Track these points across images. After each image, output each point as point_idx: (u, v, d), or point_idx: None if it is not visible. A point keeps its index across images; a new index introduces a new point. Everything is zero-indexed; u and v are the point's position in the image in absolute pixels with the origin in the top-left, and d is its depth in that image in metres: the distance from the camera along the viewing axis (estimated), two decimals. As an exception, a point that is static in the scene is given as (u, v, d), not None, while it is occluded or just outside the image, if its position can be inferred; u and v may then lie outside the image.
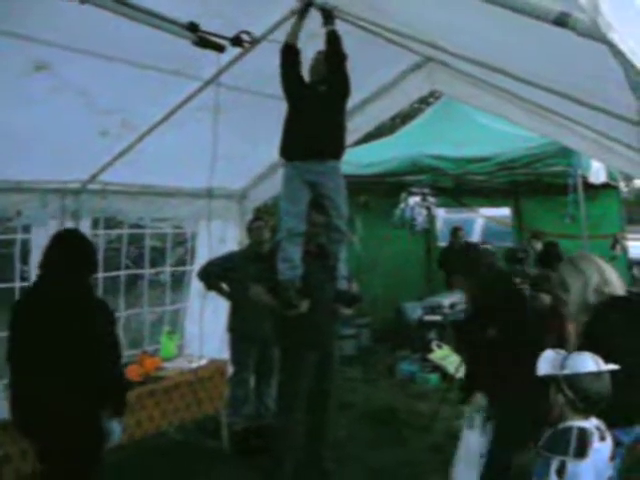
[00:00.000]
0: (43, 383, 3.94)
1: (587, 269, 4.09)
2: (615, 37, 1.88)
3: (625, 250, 11.88)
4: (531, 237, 10.61)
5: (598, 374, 3.16)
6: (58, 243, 4.26)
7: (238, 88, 5.69)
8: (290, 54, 4.89)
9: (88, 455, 4.06)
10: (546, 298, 5.99)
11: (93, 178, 6.21)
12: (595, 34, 1.96)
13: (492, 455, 4.67)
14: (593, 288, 4.01)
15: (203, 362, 6.42)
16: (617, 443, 3.42)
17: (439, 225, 14.25)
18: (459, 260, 5.37)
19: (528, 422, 4.31)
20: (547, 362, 3.30)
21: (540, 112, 6.01)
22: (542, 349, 3.40)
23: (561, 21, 2.89)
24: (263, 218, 7.36)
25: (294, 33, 4.87)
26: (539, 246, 9.99)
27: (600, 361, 3.19)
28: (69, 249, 4.24)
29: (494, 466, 4.64)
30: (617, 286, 4.09)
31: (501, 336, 4.68)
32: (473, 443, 4.75)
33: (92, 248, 4.44)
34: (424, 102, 15.05)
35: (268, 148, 6.49)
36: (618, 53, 1.98)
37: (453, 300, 10.14)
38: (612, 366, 3.22)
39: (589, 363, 3.18)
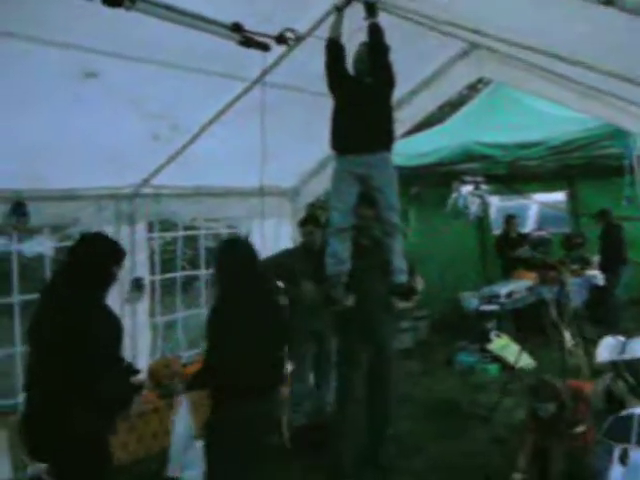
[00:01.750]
0: (44, 400, 3.69)
1: None
2: None
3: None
4: (597, 216, 10.44)
5: None
6: (72, 249, 3.97)
7: (285, 86, 5.71)
8: (334, 49, 4.89)
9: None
10: None
11: (146, 182, 6.31)
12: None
13: None
14: None
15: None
16: None
17: (493, 213, 14.09)
18: None
19: None
20: (607, 348, 3.26)
21: (591, 94, 5.91)
22: None
23: (609, 0, 2.84)
24: (315, 215, 7.37)
25: (336, 28, 4.88)
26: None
27: None
28: (80, 257, 3.88)
29: None
30: None
31: None
32: None
33: (107, 256, 3.92)
34: (473, 89, 14.88)
35: (317, 145, 6.53)
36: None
37: (510, 289, 10.02)
38: None
39: None
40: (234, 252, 4.57)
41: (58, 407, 3.62)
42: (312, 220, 7.03)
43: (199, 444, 4.72)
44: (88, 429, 3.65)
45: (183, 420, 5.07)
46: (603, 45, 4.21)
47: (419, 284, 5.81)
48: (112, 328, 3.86)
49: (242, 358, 4.14)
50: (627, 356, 3.16)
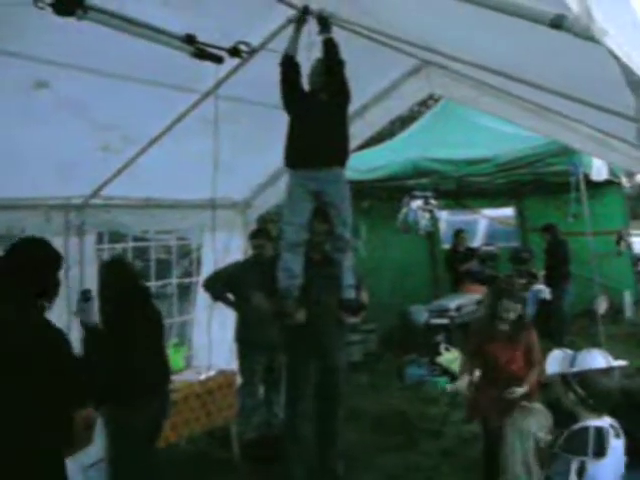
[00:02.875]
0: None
1: None
2: (610, 42, 1.88)
3: (629, 246, 11.92)
4: (543, 230, 10.61)
5: (607, 370, 3.18)
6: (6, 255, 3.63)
7: (237, 99, 5.69)
8: (289, 66, 4.91)
9: None
10: None
11: (96, 193, 6.21)
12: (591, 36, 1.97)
13: None
14: None
15: (212, 373, 6.41)
16: None
17: (442, 228, 14.25)
18: None
19: None
20: (556, 361, 3.31)
21: (539, 112, 6.03)
22: None
23: (557, 23, 2.91)
24: (266, 228, 7.37)
25: (292, 44, 4.90)
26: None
27: (609, 357, 3.20)
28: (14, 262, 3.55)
29: None
30: None
31: None
32: None
33: (45, 262, 3.63)
34: (424, 105, 15.06)
35: (269, 157, 6.56)
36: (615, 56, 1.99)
37: (459, 302, 10.13)
38: (621, 362, 3.24)
39: (599, 360, 3.19)
40: (116, 271, 5.02)
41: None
42: (263, 233, 7.04)
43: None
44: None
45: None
46: (550, 64, 4.29)
47: (365, 299, 5.86)
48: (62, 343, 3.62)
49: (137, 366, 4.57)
50: (576, 369, 3.21)
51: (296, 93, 4.99)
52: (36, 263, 3.56)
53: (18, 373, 3.29)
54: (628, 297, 11.60)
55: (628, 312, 11.57)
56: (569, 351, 3.35)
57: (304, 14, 4.83)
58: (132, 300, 4.83)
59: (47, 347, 3.40)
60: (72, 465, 4.68)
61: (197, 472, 6.19)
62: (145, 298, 5.01)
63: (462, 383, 5.48)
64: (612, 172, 9.27)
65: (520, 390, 5.06)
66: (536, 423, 4.79)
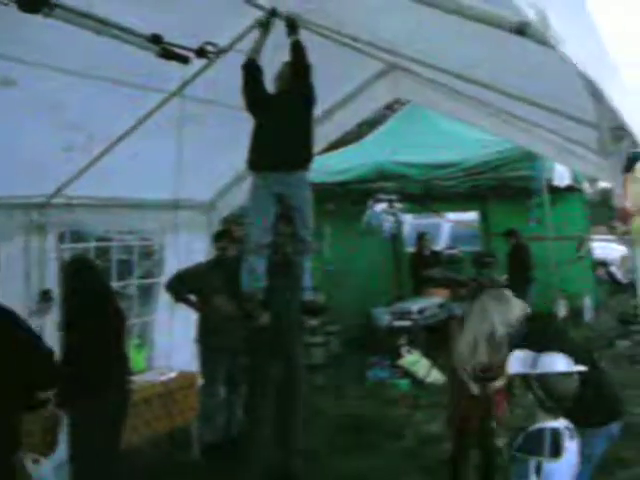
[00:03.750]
0: None
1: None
2: (566, 49, 1.91)
3: (590, 251, 12.10)
4: (506, 235, 10.72)
5: (568, 374, 3.23)
6: None
7: (203, 100, 5.67)
8: (252, 70, 4.91)
9: None
10: None
11: (58, 192, 6.14)
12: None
13: None
14: None
15: (173, 374, 6.38)
16: None
17: (407, 231, 14.33)
18: None
19: None
20: (517, 361, 3.36)
21: (503, 117, 6.09)
22: None
23: (521, 30, 2.95)
24: (229, 229, 7.35)
25: (256, 48, 4.91)
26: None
27: (571, 361, 3.26)
28: None
29: None
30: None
31: None
32: None
33: None
34: (390, 108, 15.13)
35: (234, 158, 6.52)
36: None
37: (422, 305, 10.20)
38: (581, 367, 3.29)
39: (559, 363, 3.24)
40: (80, 269, 5.04)
41: None
42: (227, 234, 7.02)
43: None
44: None
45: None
46: (513, 70, 4.35)
47: (322, 301, 5.90)
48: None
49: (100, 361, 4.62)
50: (538, 370, 3.27)
51: (259, 96, 4.99)
52: None
53: None
54: (588, 301, 11.78)
55: (587, 316, 11.73)
56: (530, 352, 3.40)
57: (272, 16, 4.83)
58: (94, 298, 4.83)
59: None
60: (44, 464, 4.68)
61: (158, 474, 6.14)
62: (107, 296, 5.02)
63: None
64: (574, 178, 9.42)
65: (496, 385, 5.12)
66: (500, 314, 4.95)
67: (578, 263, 11.39)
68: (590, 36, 1.97)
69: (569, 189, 9.68)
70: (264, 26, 4.89)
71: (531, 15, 1.81)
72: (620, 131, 3.92)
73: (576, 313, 11.31)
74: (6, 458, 3.52)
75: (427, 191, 10.97)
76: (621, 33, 2.14)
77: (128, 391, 5.02)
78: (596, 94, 2.83)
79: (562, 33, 1.85)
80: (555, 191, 8.75)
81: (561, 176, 8.59)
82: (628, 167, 4.43)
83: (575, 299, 11.27)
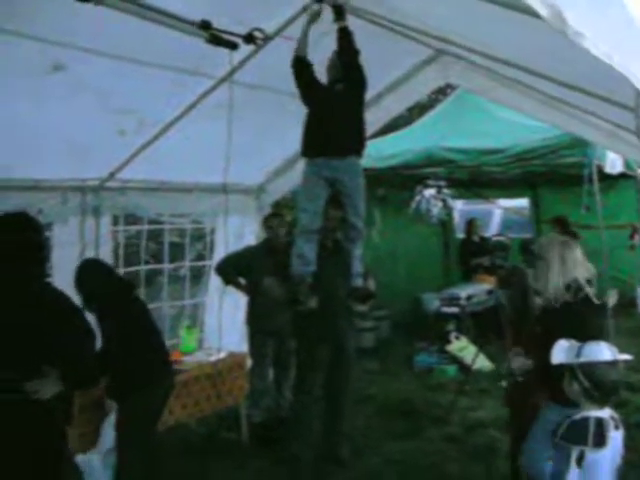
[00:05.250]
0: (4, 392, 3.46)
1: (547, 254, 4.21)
2: (587, 44, 1.92)
3: (644, 239, 11.84)
4: (552, 222, 10.60)
5: (613, 363, 3.23)
6: (3, 234, 3.71)
7: (252, 85, 5.75)
8: (300, 67, 4.98)
9: None
10: None
11: (112, 176, 6.31)
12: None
13: None
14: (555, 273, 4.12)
15: (222, 355, 6.50)
16: None
17: (456, 217, 14.26)
18: None
19: None
20: (562, 351, 3.35)
21: (553, 103, 6.03)
22: None
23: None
24: (281, 213, 7.43)
25: (303, 43, 4.96)
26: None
27: (615, 350, 3.25)
28: (19, 240, 3.68)
29: None
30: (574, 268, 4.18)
31: None
32: None
33: (40, 233, 3.88)
34: (441, 93, 15.05)
35: (284, 143, 6.62)
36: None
37: (470, 292, 10.18)
38: (627, 356, 3.29)
39: (605, 352, 3.24)
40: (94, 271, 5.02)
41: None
42: (278, 217, 7.11)
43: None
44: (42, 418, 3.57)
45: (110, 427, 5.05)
46: (561, 57, 4.32)
47: (371, 287, 5.93)
48: (71, 306, 3.83)
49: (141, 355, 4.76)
50: (583, 359, 3.26)
51: (312, 89, 5.04)
52: (35, 237, 3.76)
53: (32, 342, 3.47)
54: (640, 290, 11.56)
55: (640, 306, 11.53)
56: (575, 342, 3.39)
57: (319, 1, 4.87)
58: (117, 295, 4.90)
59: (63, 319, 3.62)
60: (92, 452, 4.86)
61: (206, 452, 6.31)
62: (129, 290, 5.10)
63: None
64: (627, 165, 9.23)
65: None
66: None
67: (631, 252, 11.18)
68: (619, 24, 1.97)
69: (622, 176, 9.49)
70: (308, 19, 4.93)
71: (544, 12, 1.82)
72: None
73: (628, 303, 11.14)
74: (59, 433, 3.68)
75: (476, 177, 10.91)
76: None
77: (170, 383, 5.14)
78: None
79: (581, 28, 1.85)
80: (607, 178, 8.59)
81: (613, 163, 8.42)
82: None
83: (627, 288, 11.10)
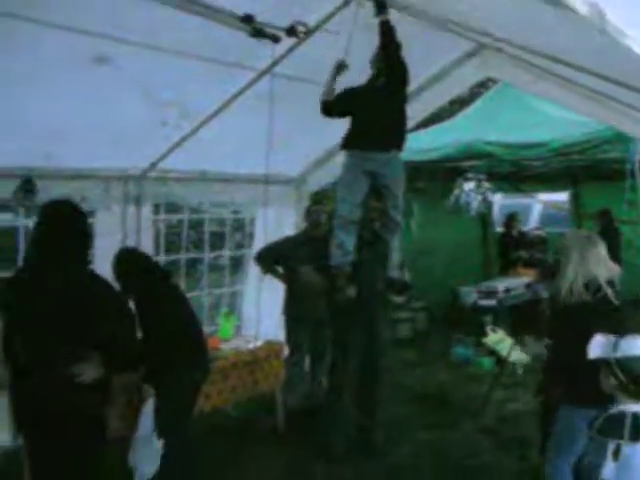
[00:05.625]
0: (47, 376, 3.60)
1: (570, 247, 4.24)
2: (628, 41, 1.95)
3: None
4: (597, 216, 10.53)
5: None
6: (49, 220, 3.81)
7: (293, 77, 5.80)
8: (330, 110, 5.25)
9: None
10: None
11: (154, 166, 6.43)
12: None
13: None
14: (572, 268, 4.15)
15: (259, 343, 6.60)
16: None
17: (496, 211, 14.20)
18: None
19: None
20: (598, 346, 3.37)
21: (595, 97, 5.99)
22: None
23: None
24: (322, 202, 7.50)
25: (329, 89, 5.20)
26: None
27: None
28: (64, 226, 3.79)
29: None
30: (595, 266, 4.18)
31: None
32: None
33: (85, 220, 3.99)
34: (483, 86, 14.94)
35: (324, 135, 6.68)
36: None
37: (508, 285, 10.15)
38: None
39: None
40: (130, 260, 5.08)
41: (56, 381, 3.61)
42: (319, 206, 7.19)
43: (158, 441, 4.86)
44: (82, 401, 3.67)
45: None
46: (604, 51, 4.31)
47: (407, 279, 5.99)
48: (114, 292, 3.97)
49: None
50: (619, 354, 3.28)
51: (349, 107, 5.21)
52: (80, 223, 3.87)
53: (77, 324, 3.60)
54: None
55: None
56: (612, 336, 3.41)
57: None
58: (154, 283, 4.99)
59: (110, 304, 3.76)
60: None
61: (241, 438, 6.41)
62: (166, 278, 5.14)
63: None
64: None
65: None
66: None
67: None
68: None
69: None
70: (335, 70, 5.15)
71: (584, 11, 1.86)
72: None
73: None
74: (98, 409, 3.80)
75: (516, 171, 10.86)
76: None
77: (206, 370, 5.22)
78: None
79: (621, 26, 1.88)
80: (650, 174, 8.51)
81: (656, 159, 8.34)
82: None
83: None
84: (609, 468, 3.12)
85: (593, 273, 4.16)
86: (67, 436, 3.60)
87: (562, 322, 4.24)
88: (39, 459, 3.76)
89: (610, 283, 4.23)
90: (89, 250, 3.93)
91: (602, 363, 3.36)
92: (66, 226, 3.78)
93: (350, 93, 5.19)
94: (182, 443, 4.94)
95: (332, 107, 5.18)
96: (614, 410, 3.28)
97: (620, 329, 3.56)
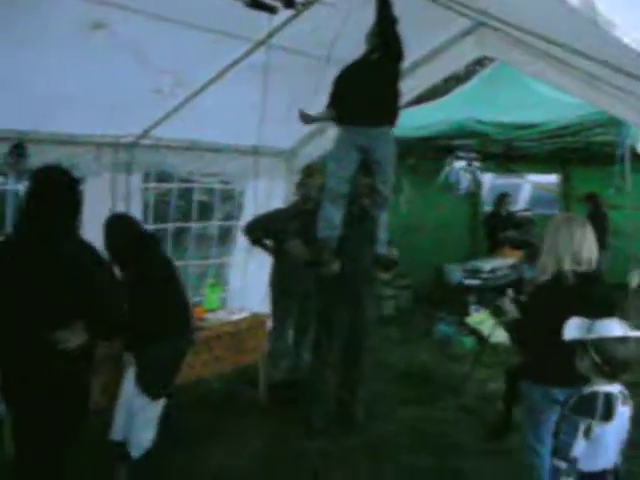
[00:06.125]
0: (32, 344, 3.61)
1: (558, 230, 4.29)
2: (618, 33, 1.96)
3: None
4: (585, 199, 10.59)
5: (624, 339, 3.31)
6: (41, 186, 3.78)
7: (288, 49, 5.78)
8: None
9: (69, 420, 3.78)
10: None
11: (146, 133, 6.40)
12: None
13: None
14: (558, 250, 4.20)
15: (244, 314, 6.62)
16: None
17: (485, 190, 14.24)
18: None
19: None
20: (574, 328, 3.44)
21: (590, 80, 5.99)
22: None
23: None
24: (313, 175, 7.48)
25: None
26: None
27: (627, 327, 3.33)
28: (56, 194, 3.77)
29: None
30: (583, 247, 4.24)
31: None
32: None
33: (77, 188, 3.95)
34: (479, 64, 14.89)
35: (316, 108, 6.61)
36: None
37: (494, 265, 10.21)
38: (637, 333, 3.36)
39: (616, 328, 3.32)
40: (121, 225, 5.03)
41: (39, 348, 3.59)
42: (311, 178, 7.16)
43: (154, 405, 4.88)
44: (67, 369, 3.68)
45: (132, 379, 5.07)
46: (599, 35, 4.32)
47: (394, 255, 6.01)
48: (101, 261, 3.93)
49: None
50: (594, 336, 3.35)
51: (345, 87, 5.24)
52: (71, 192, 3.84)
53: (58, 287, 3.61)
54: (665, 273, 11.51)
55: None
56: (587, 319, 3.48)
57: None
58: (141, 249, 4.93)
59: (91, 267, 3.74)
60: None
61: (224, 409, 6.46)
62: (153, 245, 5.09)
63: None
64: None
65: None
66: None
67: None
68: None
69: (656, 157, 9.43)
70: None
71: (575, 2, 1.86)
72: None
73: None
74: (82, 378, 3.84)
75: (508, 151, 10.87)
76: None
77: (189, 339, 5.19)
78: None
79: (611, 17, 1.88)
80: (638, 159, 8.54)
81: (647, 144, 8.36)
82: None
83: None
84: (580, 446, 3.22)
85: (581, 254, 4.20)
86: (51, 403, 3.61)
87: (542, 300, 4.28)
88: (22, 425, 3.76)
89: (588, 262, 4.27)
90: (79, 218, 3.89)
91: (577, 344, 3.43)
92: (57, 194, 3.76)
93: (344, 72, 5.17)
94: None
95: (332, 98, 5.13)
96: (587, 390, 3.36)
97: (602, 311, 3.62)
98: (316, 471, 5.28)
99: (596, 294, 4.20)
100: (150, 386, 4.81)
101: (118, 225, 5.00)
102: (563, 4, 3.08)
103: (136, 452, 4.77)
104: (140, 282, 4.77)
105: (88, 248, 3.81)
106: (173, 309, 4.99)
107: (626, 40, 1.96)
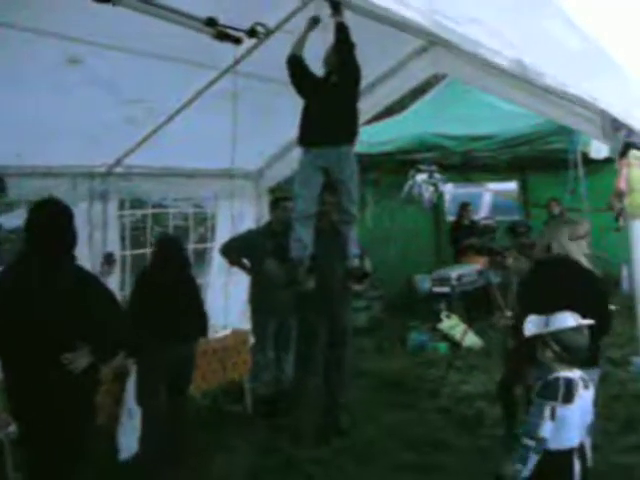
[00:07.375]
0: (43, 373, 3.84)
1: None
2: (548, 81, 2.20)
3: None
4: (548, 205, 10.94)
5: (578, 329, 3.68)
6: (42, 219, 4.03)
7: (254, 75, 6.03)
8: (296, 64, 5.26)
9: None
10: None
11: (119, 162, 6.61)
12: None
13: None
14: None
15: (227, 332, 6.84)
16: None
17: (447, 200, 14.57)
18: None
19: None
20: (532, 324, 3.82)
21: (538, 92, 6.25)
22: None
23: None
24: (288, 198, 7.72)
25: (300, 43, 5.24)
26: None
27: (578, 317, 3.70)
28: (56, 225, 4.03)
29: None
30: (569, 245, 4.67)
31: None
32: None
33: (72, 219, 4.15)
34: (435, 78, 15.15)
35: (281, 130, 6.90)
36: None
37: (460, 272, 10.52)
38: (588, 321, 3.73)
39: (569, 320, 3.68)
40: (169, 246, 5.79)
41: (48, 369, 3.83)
42: (285, 200, 7.39)
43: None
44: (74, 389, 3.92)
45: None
46: (542, 48, 4.61)
47: (368, 268, 6.25)
48: (102, 286, 4.23)
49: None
50: (552, 328, 3.71)
51: (306, 83, 5.32)
52: (64, 220, 4.07)
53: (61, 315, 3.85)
54: (625, 271, 11.90)
55: (625, 285, 11.87)
56: (543, 316, 3.84)
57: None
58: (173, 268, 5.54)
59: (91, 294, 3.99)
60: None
61: (211, 424, 6.62)
62: (183, 265, 5.74)
63: None
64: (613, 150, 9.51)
65: None
66: None
67: (617, 234, 11.43)
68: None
69: (608, 161, 9.79)
70: (308, 26, 5.23)
71: (506, 64, 2.09)
72: (616, 123, 4.73)
73: (614, 282, 11.50)
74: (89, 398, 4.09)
75: (467, 161, 11.20)
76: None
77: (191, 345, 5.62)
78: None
79: (540, 67, 2.11)
80: (593, 163, 8.90)
81: (598, 149, 8.69)
82: (622, 153, 4.93)
83: (614, 268, 11.44)
84: (547, 427, 3.59)
85: (567, 249, 4.60)
86: (60, 420, 3.85)
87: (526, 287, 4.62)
88: (34, 443, 3.96)
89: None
90: (74, 248, 4.13)
91: (538, 339, 3.79)
92: (60, 225, 4.03)
93: (311, 79, 5.38)
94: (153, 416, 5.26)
95: (298, 65, 5.27)
96: (550, 377, 3.71)
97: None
98: (310, 475, 5.53)
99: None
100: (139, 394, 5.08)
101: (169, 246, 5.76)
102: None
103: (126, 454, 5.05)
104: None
105: (89, 275, 4.12)
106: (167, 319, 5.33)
107: (554, 84, 2.21)
